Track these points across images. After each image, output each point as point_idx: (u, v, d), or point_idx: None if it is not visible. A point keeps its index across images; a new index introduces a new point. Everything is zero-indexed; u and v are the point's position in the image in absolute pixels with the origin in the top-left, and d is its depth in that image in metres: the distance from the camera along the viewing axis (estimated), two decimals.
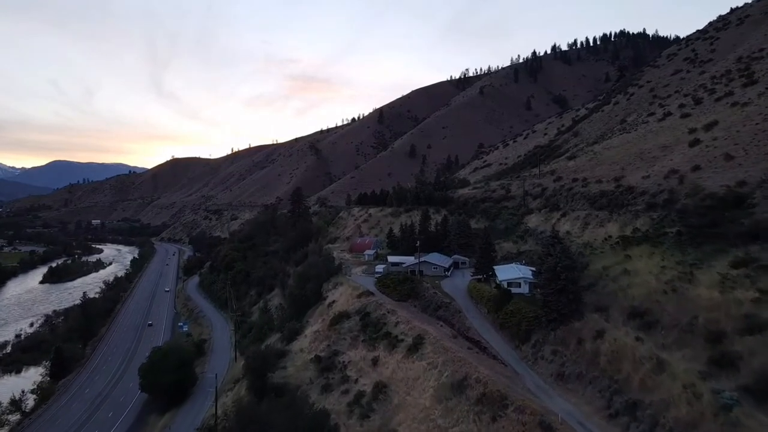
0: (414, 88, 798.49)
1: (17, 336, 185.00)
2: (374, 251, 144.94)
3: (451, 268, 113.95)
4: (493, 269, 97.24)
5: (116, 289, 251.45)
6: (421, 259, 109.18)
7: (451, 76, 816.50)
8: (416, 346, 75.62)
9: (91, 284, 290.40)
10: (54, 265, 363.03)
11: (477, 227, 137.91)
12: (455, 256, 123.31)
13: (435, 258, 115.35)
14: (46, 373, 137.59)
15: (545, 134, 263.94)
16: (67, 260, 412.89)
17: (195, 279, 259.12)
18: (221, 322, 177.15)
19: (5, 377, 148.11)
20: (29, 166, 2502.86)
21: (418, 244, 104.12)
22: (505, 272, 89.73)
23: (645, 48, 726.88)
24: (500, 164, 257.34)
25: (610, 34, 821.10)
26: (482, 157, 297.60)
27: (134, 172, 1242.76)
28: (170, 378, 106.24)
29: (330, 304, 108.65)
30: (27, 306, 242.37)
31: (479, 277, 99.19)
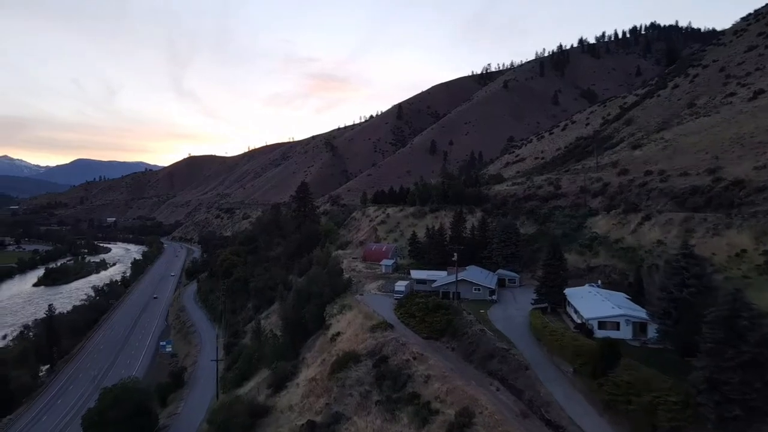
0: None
1: None
2: (393, 261, 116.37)
3: (496, 289, 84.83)
4: (566, 295, 68.07)
5: (107, 296, 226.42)
6: (458, 277, 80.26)
7: (472, 72, 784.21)
8: (461, 427, 47.14)
9: (86, 288, 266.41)
10: (52, 266, 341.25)
11: (524, 233, 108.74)
12: (501, 272, 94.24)
13: (476, 275, 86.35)
14: None
15: (587, 124, 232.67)
16: (70, 260, 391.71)
17: (194, 285, 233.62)
18: (213, 339, 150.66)
19: None
20: (53, 165, 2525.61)
21: (455, 257, 75.62)
22: (591, 304, 60.43)
23: (678, 40, 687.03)
24: (536, 158, 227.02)
25: (641, 26, 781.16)
26: (513, 151, 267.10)
27: (151, 170, 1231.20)
28: None
29: (334, 337, 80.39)
30: (7, 313, 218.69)
31: (543, 306, 69.89)
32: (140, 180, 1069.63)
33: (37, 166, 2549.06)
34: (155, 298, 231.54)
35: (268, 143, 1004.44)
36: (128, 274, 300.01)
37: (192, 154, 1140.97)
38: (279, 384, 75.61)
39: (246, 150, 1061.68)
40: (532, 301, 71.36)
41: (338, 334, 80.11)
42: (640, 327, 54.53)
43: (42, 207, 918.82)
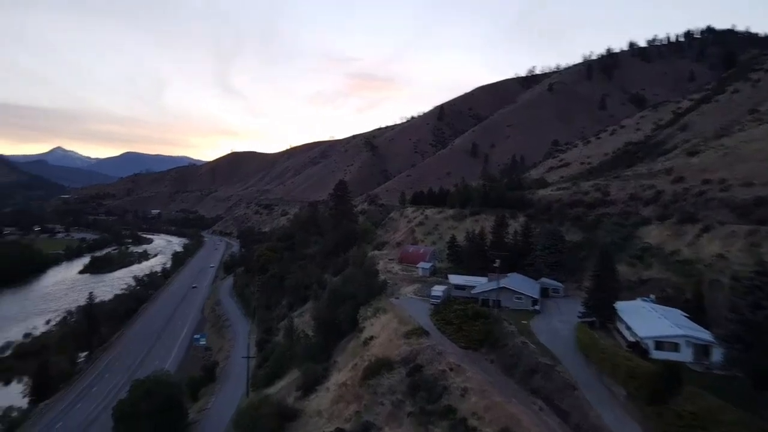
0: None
1: (26, 336, 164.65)
2: (431, 264, 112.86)
3: (539, 298, 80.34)
4: (616, 310, 63.39)
5: (147, 286, 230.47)
6: (500, 284, 76.25)
7: (516, 74, 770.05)
8: None
9: (127, 277, 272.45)
10: (97, 254, 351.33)
11: (569, 240, 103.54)
12: (544, 281, 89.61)
13: (518, 283, 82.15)
14: (27, 392, 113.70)
15: (638, 129, 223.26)
16: (114, 250, 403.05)
17: (231, 279, 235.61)
18: (246, 334, 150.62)
19: None
20: (103, 157, 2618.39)
21: (497, 263, 71.63)
22: (646, 321, 55.77)
23: (736, 45, 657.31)
24: (582, 163, 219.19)
25: (695, 30, 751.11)
26: (558, 156, 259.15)
27: (194, 164, 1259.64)
28: (150, 426, 78.51)
29: (367, 341, 77.60)
30: (52, 299, 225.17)
31: (591, 320, 65.27)
32: (184, 174, 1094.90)
33: (89, 157, 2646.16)
34: (194, 287, 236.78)
35: (309, 141, 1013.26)
36: (168, 266, 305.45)
37: (234, 150, 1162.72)
38: (309, 387, 73.36)
39: (286, 147, 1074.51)
40: (579, 314, 66.80)
41: (371, 338, 77.31)
42: (702, 350, 49.67)
43: (91, 197, 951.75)
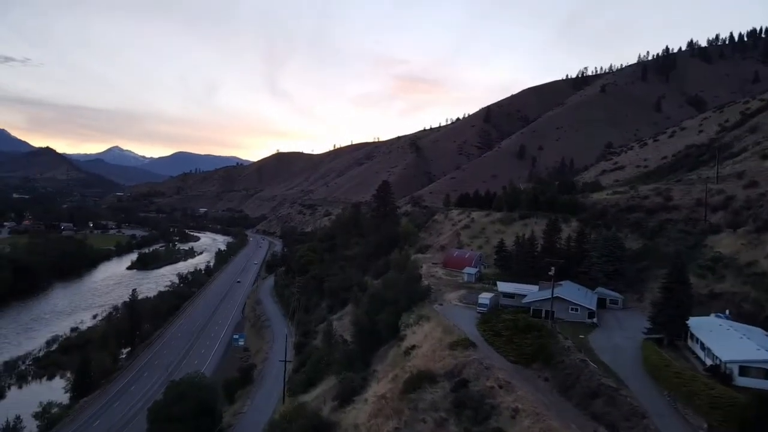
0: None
1: (72, 330, 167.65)
2: (476, 270, 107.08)
3: (596, 310, 73.62)
4: (688, 327, 56.49)
5: (190, 284, 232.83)
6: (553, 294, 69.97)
7: (567, 75, 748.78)
8: None
9: (173, 274, 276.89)
10: (145, 251, 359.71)
11: (628, 248, 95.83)
12: (601, 290, 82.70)
13: (573, 293, 75.72)
14: (69, 387, 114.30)
15: (700, 131, 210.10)
16: (162, 246, 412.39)
17: (272, 279, 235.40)
18: (285, 336, 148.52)
19: (32, 384, 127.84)
20: (156, 156, 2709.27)
21: (552, 271, 65.47)
22: (727, 342, 48.87)
23: None
24: (637, 166, 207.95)
25: (760, 29, 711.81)
26: (611, 158, 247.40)
27: (242, 164, 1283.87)
28: (183, 430, 76.22)
29: (408, 350, 72.77)
30: (100, 293, 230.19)
31: (658, 336, 58.45)
32: (231, 173, 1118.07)
33: (143, 156, 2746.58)
34: (238, 282, 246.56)
35: (354, 142, 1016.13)
36: (212, 264, 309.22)
37: (280, 150, 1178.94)
38: (346, 397, 69.10)
39: (332, 148, 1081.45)
40: (645, 330, 60.00)
41: (413, 347, 72.42)
42: None
43: (143, 195, 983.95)
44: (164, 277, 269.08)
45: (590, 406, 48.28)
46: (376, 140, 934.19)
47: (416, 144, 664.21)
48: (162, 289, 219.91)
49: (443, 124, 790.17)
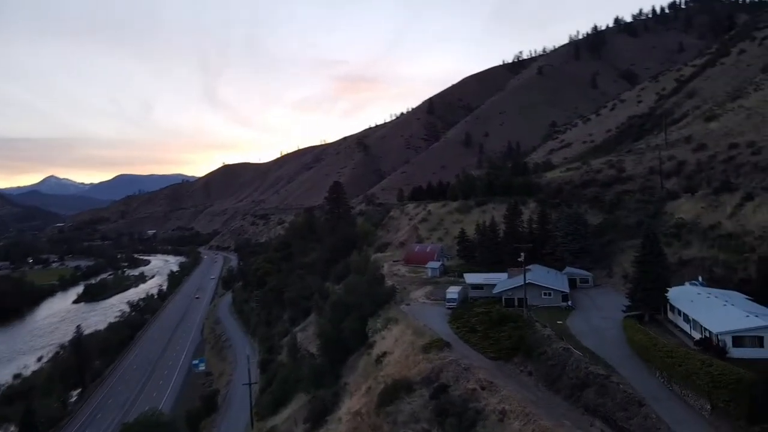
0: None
1: (16, 376, 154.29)
2: (440, 263, 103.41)
3: (569, 292, 70.80)
4: (667, 299, 53.99)
5: (142, 311, 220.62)
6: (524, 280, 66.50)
7: (503, 61, 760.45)
8: None
9: (124, 302, 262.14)
10: (92, 282, 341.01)
11: (589, 223, 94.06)
12: (569, 270, 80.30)
13: (543, 276, 72.72)
14: None
15: (639, 102, 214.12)
16: (110, 275, 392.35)
17: (230, 295, 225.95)
18: (250, 353, 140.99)
19: None
20: (96, 181, 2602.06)
21: (522, 257, 61.89)
22: (712, 312, 46.28)
23: (722, 12, 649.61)
24: (584, 142, 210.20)
25: (680, 1, 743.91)
26: (557, 137, 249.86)
27: (188, 181, 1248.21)
28: None
29: (379, 358, 68.05)
30: (43, 333, 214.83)
31: (639, 313, 55.78)
32: (178, 191, 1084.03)
33: (82, 183, 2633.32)
34: (197, 298, 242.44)
35: (300, 147, 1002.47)
36: (165, 287, 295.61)
37: (226, 163, 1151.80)
38: (317, 418, 63.84)
39: (278, 155, 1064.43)
40: (624, 308, 57.30)
41: (384, 354, 67.72)
42: None
43: (85, 223, 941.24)
44: (114, 307, 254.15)
45: (581, 398, 44.77)
46: (323, 143, 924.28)
47: (363, 143, 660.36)
48: (112, 320, 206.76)
49: (388, 120, 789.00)
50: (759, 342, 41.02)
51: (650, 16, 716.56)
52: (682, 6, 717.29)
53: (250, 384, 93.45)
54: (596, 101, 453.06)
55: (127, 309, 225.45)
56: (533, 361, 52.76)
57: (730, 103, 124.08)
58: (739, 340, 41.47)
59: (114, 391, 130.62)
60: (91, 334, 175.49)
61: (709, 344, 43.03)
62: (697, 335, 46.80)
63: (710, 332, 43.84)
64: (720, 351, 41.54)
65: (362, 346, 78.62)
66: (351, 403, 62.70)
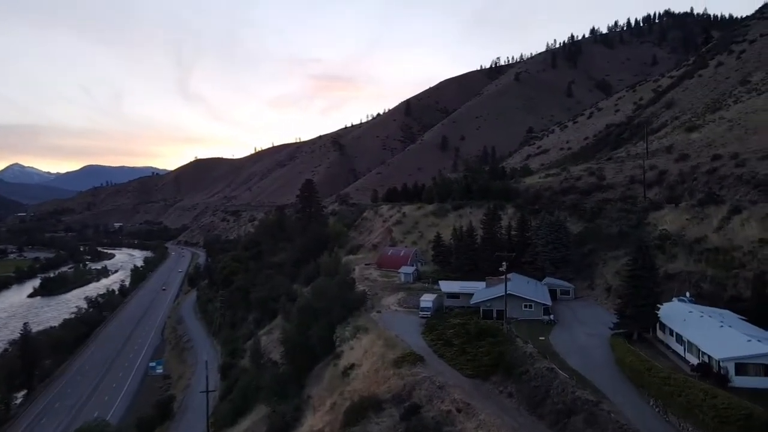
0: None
1: None
2: (414, 268, 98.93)
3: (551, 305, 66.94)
4: (658, 318, 50.39)
5: (101, 308, 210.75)
6: (503, 291, 62.26)
7: (481, 66, 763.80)
8: None
9: (83, 297, 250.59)
10: (51, 275, 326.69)
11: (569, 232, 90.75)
12: (550, 281, 76.66)
13: (524, 287, 68.76)
14: None
15: (617, 111, 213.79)
16: (70, 268, 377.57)
17: (195, 293, 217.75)
18: (212, 356, 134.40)
19: None
20: (63, 171, 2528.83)
21: (504, 267, 57.77)
22: (710, 334, 42.64)
23: (694, 28, 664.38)
24: (561, 149, 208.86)
25: (654, 14, 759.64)
26: (534, 143, 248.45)
27: (158, 174, 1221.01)
28: None
29: (347, 370, 63.08)
30: None
31: (626, 331, 52.08)
32: (147, 184, 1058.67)
33: (48, 173, 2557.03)
34: (164, 290, 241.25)
35: (275, 144, 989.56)
36: (127, 283, 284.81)
37: (198, 157, 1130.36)
38: None
39: (253, 152, 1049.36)
40: (612, 325, 53.54)
41: (352, 366, 62.78)
42: None
43: (49, 213, 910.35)
44: (72, 302, 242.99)
45: (568, 426, 40.54)
46: (298, 141, 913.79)
47: (339, 142, 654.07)
48: (68, 316, 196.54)
49: (365, 120, 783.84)
50: (764, 371, 37.47)
51: (625, 28, 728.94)
52: (656, 20, 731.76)
53: (207, 392, 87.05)
54: (572, 110, 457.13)
55: (84, 305, 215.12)
56: (514, 381, 48.45)
57: (710, 114, 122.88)
58: (742, 368, 37.84)
59: (63, 394, 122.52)
60: (43, 331, 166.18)
61: (709, 371, 39.34)
62: (692, 359, 43.15)
63: (710, 357, 40.16)
64: (721, 379, 37.86)
65: (329, 355, 73.58)
66: (314, 421, 57.56)
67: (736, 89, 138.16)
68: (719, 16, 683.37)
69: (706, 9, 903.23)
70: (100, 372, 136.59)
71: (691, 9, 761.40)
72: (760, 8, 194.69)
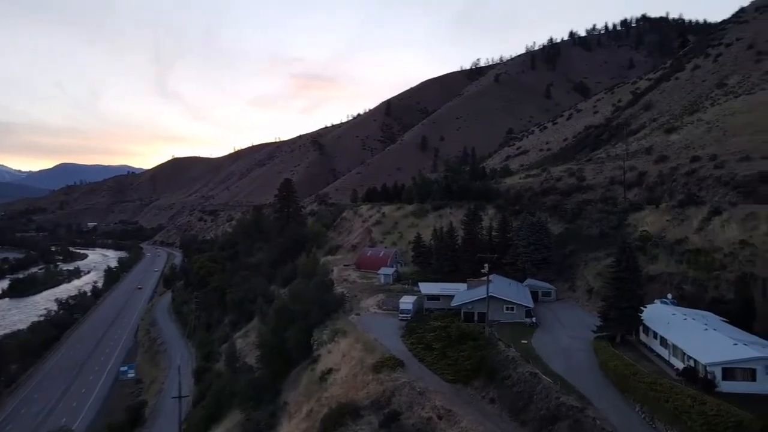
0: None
1: None
2: (393, 270, 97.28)
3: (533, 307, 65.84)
4: (642, 320, 49.51)
5: (72, 309, 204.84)
6: (484, 293, 60.90)
7: (461, 67, 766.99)
8: None
9: (53, 299, 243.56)
10: (20, 276, 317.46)
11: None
12: (531, 282, 75.64)
13: (505, 289, 67.51)
14: None
15: (596, 112, 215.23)
16: (40, 269, 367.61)
17: (170, 295, 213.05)
18: (186, 359, 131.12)
19: None
20: (36, 170, 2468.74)
21: (486, 268, 56.47)
22: (694, 337, 41.77)
23: (670, 32, 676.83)
24: (540, 150, 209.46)
25: (631, 18, 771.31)
26: (514, 144, 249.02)
27: (134, 173, 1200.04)
28: None
29: (324, 375, 61.13)
30: None
31: (609, 333, 51.14)
32: (122, 183, 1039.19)
33: (19, 171, 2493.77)
34: (139, 288, 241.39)
35: (254, 144, 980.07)
36: (100, 284, 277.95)
37: (175, 156, 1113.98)
38: None
39: (231, 151, 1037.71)
40: (595, 328, 52.52)
41: (330, 371, 60.85)
42: None
43: (20, 213, 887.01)
44: (41, 304, 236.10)
45: None
46: (278, 140, 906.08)
47: (318, 141, 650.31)
48: (37, 318, 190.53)
49: (345, 120, 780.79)
50: (751, 375, 36.64)
51: (603, 32, 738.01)
52: (633, 24, 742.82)
53: (180, 397, 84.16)
54: (550, 111, 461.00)
55: (54, 307, 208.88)
56: (496, 387, 47.07)
57: (688, 116, 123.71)
58: (730, 373, 36.94)
59: (29, 400, 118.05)
60: (9, 335, 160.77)
61: (695, 376, 38.39)
62: (677, 363, 42.25)
63: (696, 361, 39.24)
64: (708, 384, 36.91)
65: (306, 359, 71.55)
66: (289, 428, 55.56)
67: (713, 92, 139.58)
68: (694, 21, 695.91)
69: (681, 14, 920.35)
70: (70, 376, 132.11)
71: (667, 14, 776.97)
72: (736, 12, 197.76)
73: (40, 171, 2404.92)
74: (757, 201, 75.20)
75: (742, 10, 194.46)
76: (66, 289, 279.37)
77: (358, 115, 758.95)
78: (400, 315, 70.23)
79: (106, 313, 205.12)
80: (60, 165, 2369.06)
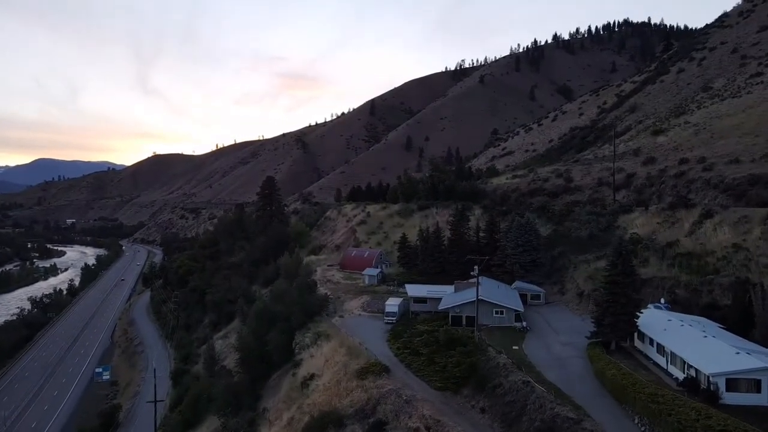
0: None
1: None
2: (378, 270, 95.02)
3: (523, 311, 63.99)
4: (638, 327, 47.84)
5: (46, 308, 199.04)
6: (473, 296, 58.84)
7: (446, 67, 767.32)
8: None
9: (26, 298, 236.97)
10: None
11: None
12: (520, 285, 73.82)
13: (494, 292, 65.50)
14: None
15: (581, 114, 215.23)
16: (15, 266, 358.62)
17: (148, 295, 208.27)
18: (164, 361, 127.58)
19: None
20: (13, 165, 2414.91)
21: (476, 270, 54.56)
22: (695, 346, 40.08)
23: (652, 37, 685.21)
24: (526, 151, 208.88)
25: (614, 23, 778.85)
26: (499, 144, 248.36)
27: (114, 169, 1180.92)
28: None
29: (306, 381, 58.65)
30: None
31: (603, 340, 49.40)
32: (102, 179, 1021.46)
33: None
34: (122, 280, 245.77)
35: (238, 141, 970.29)
36: (77, 282, 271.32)
37: (157, 153, 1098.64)
38: None
39: (214, 148, 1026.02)
40: (588, 334, 50.79)
41: (312, 376, 58.42)
42: None
43: None
44: (14, 302, 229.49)
45: None
46: (261, 138, 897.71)
47: (302, 140, 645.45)
48: (9, 317, 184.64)
49: (329, 119, 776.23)
50: (756, 386, 35.04)
51: (586, 35, 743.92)
52: (616, 28, 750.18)
53: (155, 402, 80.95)
54: (534, 113, 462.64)
55: (28, 305, 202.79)
56: (487, 395, 44.99)
57: (674, 118, 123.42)
58: (733, 384, 35.29)
59: None
60: None
61: (697, 386, 36.70)
62: (676, 372, 40.62)
63: (697, 371, 37.58)
64: (711, 396, 35.24)
65: (287, 363, 68.98)
66: None
67: (698, 95, 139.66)
68: (675, 26, 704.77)
69: (663, 19, 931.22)
70: (41, 379, 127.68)
71: (649, 19, 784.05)
72: (720, 17, 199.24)
73: (17, 166, 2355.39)
74: (748, 204, 74.29)
75: (726, 14, 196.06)
76: (42, 287, 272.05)
77: (343, 114, 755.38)
78: (386, 318, 68.02)
79: (83, 313, 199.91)
80: (38, 160, 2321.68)
